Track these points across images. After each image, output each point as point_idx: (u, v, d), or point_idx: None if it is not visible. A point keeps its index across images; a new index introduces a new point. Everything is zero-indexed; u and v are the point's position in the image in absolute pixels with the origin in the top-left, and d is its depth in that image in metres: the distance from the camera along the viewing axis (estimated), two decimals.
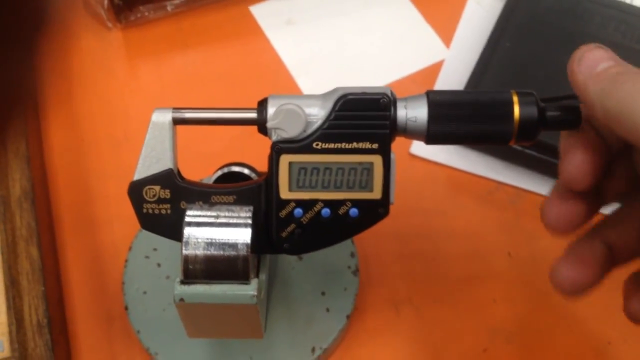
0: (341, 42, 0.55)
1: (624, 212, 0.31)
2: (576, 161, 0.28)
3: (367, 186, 0.31)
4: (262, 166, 0.32)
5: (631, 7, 0.52)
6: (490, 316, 0.43)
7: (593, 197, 0.30)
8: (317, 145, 0.30)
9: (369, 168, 0.30)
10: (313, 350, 0.40)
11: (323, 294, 0.41)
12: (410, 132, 0.31)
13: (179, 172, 0.32)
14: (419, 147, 0.49)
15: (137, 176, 0.31)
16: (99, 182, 0.48)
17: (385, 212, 0.31)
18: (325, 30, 0.56)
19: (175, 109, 0.31)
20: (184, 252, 0.31)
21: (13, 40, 0.54)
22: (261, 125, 0.31)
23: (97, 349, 0.42)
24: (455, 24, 0.56)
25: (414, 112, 0.30)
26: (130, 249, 0.43)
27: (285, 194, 0.31)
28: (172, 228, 0.31)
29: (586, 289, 0.30)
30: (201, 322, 0.34)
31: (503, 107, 0.30)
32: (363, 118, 0.30)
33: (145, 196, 0.31)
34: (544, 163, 0.46)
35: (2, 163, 0.45)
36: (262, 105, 0.31)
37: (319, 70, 0.54)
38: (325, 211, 0.31)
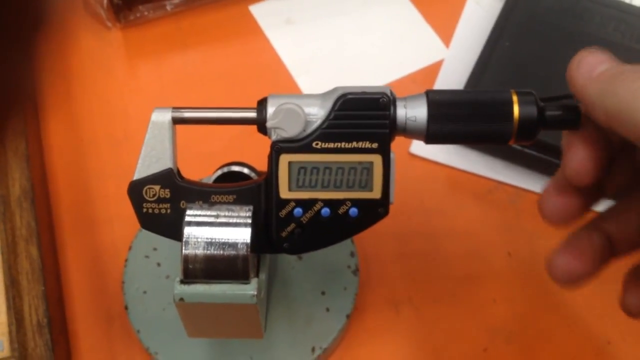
0: (341, 41, 0.55)
1: (624, 203, 0.31)
2: (578, 158, 0.28)
3: (367, 186, 0.31)
4: (262, 166, 0.32)
5: (631, 7, 0.52)
6: (490, 316, 0.43)
7: (592, 190, 0.30)
8: (317, 144, 0.30)
9: (368, 167, 0.30)
10: (313, 349, 0.40)
11: (323, 293, 0.41)
12: (410, 132, 0.30)
13: (178, 171, 0.32)
14: (418, 147, 0.49)
15: (137, 176, 0.31)
16: (98, 181, 0.48)
17: (385, 212, 0.31)
18: (325, 30, 0.56)
19: (175, 108, 0.31)
20: (184, 251, 0.31)
21: (12, 40, 0.54)
22: (261, 124, 0.31)
23: (97, 348, 0.42)
24: (455, 24, 0.56)
25: (413, 112, 0.30)
26: (130, 248, 0.43)
27: (285, 193, 0.31)
28: (172, 227, 0.31)
29: (582, 279, 0.30)
30: (201, 322, 0.34)
31: (503, 106, 0.30)
32: (363, 117, 0.30)
33: (145, 196, 0.31)
34: (543, 162, 0.46)
35: (1, 162, 0.45)
36: (262, 104, 0.31)
37: (319, 70, 0.54)
38: (325, 211, 0.31)
